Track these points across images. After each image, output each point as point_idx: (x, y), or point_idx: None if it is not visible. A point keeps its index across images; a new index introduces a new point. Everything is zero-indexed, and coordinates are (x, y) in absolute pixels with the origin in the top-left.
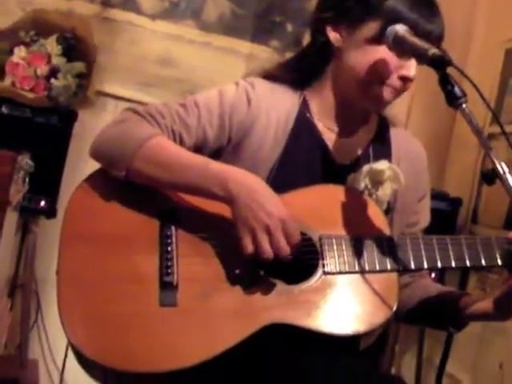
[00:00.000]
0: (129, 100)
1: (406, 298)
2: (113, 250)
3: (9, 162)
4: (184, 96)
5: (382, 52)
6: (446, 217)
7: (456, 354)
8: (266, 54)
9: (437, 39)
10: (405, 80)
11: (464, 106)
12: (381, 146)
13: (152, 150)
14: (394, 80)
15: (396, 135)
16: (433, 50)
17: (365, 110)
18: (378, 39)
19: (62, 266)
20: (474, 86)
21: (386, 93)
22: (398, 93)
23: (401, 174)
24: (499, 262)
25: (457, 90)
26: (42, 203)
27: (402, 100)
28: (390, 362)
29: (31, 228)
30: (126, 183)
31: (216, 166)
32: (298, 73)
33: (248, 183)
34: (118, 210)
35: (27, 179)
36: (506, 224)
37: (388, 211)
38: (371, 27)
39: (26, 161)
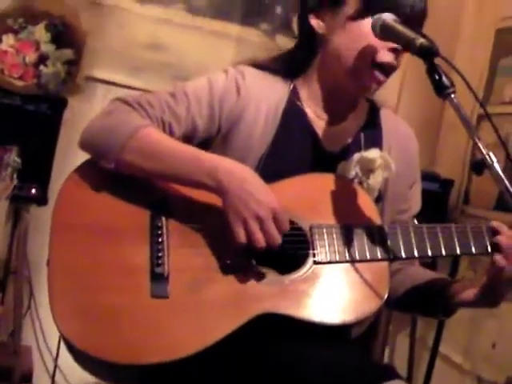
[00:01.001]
0: (118, 85)
1: (395, 285)
2: (103, 241)
3: None
4: (173, 81)
5: (366, 27)
6: (437, 198)
7: (449, 334)
8: (256, 37)
9: (418, 15)
10: (396, 52)
11: (452, 96)
12: (371, 133)
13: (141, 141)
14: (384, 55)
15: (387, 122)
16: (420, 40)
17: (354, 97)
18: (359, 15)
19: (52, 258)
20: (462, 77)
21: (377, 74)
22: (388, 72)
23: (392, 162)
24: (489, 249)
25: (444, 80)
26: (33, 191)
27: (392, 82)
28: (383, 343)
29: (23, 215)
30: (116, 173)
31: (206, 157)
32: (287, 64)
33: (238, 173)
34: (108, 201)
35: (15, 175)
36: (497, 205)
37: (379, 199)
38: (351, 5)
39: (12, 158)
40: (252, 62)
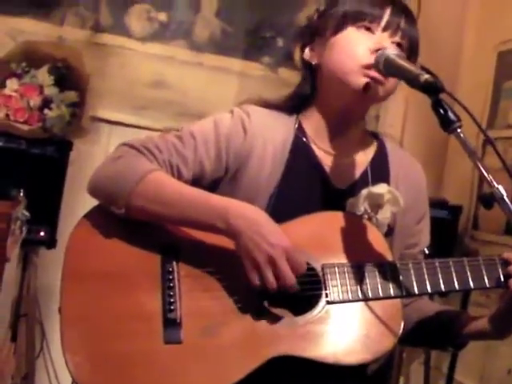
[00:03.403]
0: (123, 124)
1: (405, 319)
2: (115, 288)
3: (4, 219)
4: (178, 118)
5: (347, 35)
6: (446, 225)
7: (464, 361)
8: (258, 71)
9: (398, 18)
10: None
11: (459, 130)
12: (379, 168)
13: (150, 186)
14: (366, 57)
15: (394, 156)
16: (425, 76)
17: (359, 128)
18: (338, 29)
19: (64, 306)
20: (468, 111)
21: (368, 72)
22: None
23: (400, 196)
24: (503, 281)
25: (450, 115)
26: (42, 234)
27: (397, 108)
28: (397, 372)
29: (32, 258)
30: (126, 218)
31: (216, 199)
32: (291, 101)
33: (249, 215)
34: (118, 247)
35: (24, 228)
36: (507, 229)
37: (388, 234)
38: (331, 25)
39: (21, 212)
40: (257, 101)
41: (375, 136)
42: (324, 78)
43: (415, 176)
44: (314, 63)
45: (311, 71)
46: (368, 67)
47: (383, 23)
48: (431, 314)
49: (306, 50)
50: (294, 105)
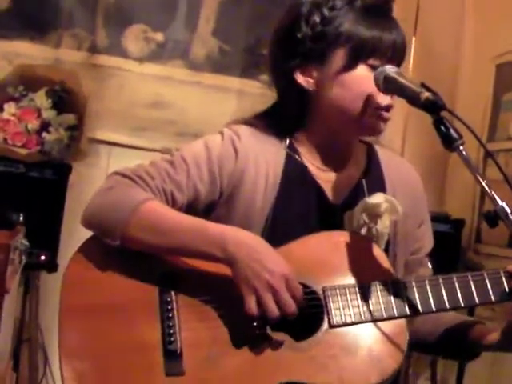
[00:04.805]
0: (122, 145)
1: (418, 326)
2: (113, 321)
3: (3, 250)
4: (177, 138)
5: (360, 75)
6: (449, 239)
7: (471, 376)
8: (256, 89)
9: (401, 47)
10: None
11: (461, 148)
12: (373, 177)
13: (145, 216)
14: (383, 98)
15: (387, 162)
16: (425, 94)
17: (353, 145)
18: (350, 66)
19: (63, 341)
20: (470, 129)
21: (384, 114)
22: (390, 109)
23: (398, 204)
24: (509, 295)
25: (452, 132)
26: (43, 257)
27: (397, 122)
28: None
29: (33, 282)
30: (121, 249)
31: (213, 227)
32: (279, 122)
33: (247, 243)
34: (114, 279)
35: (23, 257)
36: (511, 242)
37: (390, 243)
38: (339, 57)
39: (20, 241)
40: (245, 121)
41: (367, 144)
42: (324, 108)
43: (411, 180)
44: (311, 89)
45: (301, 96)
46: (381, 108)
47: (389, 55)
48: (447, 322)
49: (299, 74)
50: (282, 127)
